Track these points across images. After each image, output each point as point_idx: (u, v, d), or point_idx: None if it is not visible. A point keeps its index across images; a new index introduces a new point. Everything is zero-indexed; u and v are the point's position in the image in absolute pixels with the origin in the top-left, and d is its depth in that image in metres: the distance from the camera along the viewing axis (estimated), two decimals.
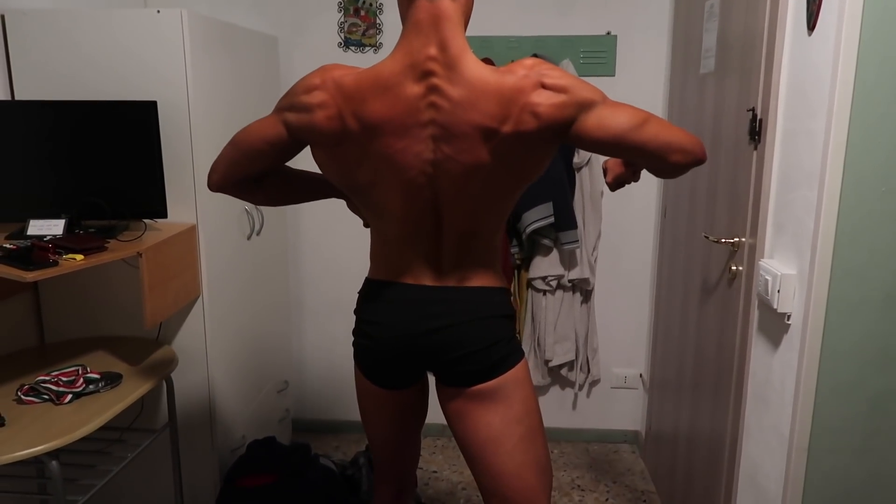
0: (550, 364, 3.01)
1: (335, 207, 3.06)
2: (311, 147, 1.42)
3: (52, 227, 1.96)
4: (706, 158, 1.36)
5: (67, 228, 1.97)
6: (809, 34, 1.56)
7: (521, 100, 1.25)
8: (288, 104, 1.36)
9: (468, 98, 1.25)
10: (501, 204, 1.42)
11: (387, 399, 1.57)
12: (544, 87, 1.26)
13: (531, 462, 1.48)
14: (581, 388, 3.18)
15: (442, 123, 1.28)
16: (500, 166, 1.32)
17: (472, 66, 1.27)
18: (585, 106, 1.28)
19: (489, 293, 1.46)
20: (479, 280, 1.45)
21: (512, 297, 2.95)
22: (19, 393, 1.79)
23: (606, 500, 2.74)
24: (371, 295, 1.53)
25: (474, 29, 2.81)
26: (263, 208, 2.67)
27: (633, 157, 1.39)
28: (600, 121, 1.28)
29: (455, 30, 1.28)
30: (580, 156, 2.82)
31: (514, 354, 1.48)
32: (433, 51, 1.26)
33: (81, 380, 1.83)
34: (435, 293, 1.44)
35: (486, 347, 1.44)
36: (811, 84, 1.55)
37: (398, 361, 1.50)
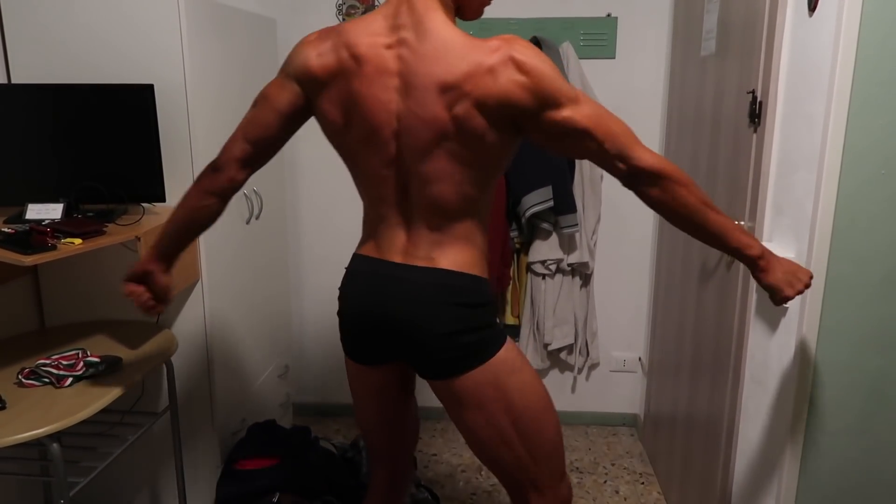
0: (550, 348, 3.01)
1: (334, 191, 3.06)
2: (313, 102, 1.43)
3: (50, 211, 1.96)
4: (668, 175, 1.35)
5: (66, 212, 1.97)
6: (810, 16, 1.55)
7: (484, 65, 1.27)
8: (288, 60, 1.45)
9: (431, 52, 1.29)
10: (467, 189, 1.38)
11: (365, 375, 1.57)
12: (513, 62, 1.27)
13: (511, 460, 1.48)
14: (580, 371, 3.20)
15: (405, 75, 1.31)
16: (459, 139, 1.32)
17: (440, 25, 1.31)
18: (549, 101, 1.29)
19: (456, 278, 1.41)
20: (449, 263, 1.41)
21: (511, 284, 2.96)
22: (20, 376, 1.79)
23: (605, 482, 2.76)
24: (349, 266, 1.54)
25: None
26: (263, 191, 2.66)
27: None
28: (562, 121, 1.30)
29: (431, 4, 1.33)
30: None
31: (484, 349, 1.42)
32: (405, 7, 1.33)
33: (81, 363, 1.84)
34: (398, 270, 1.43)
35: (445, 335, 1.40)
36: (811, 66, 1.54)
37: (364, 336, 1.51)
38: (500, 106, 1.28)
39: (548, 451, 1.50)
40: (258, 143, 1.47)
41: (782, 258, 1.40)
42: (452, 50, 1.29)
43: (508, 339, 1.48)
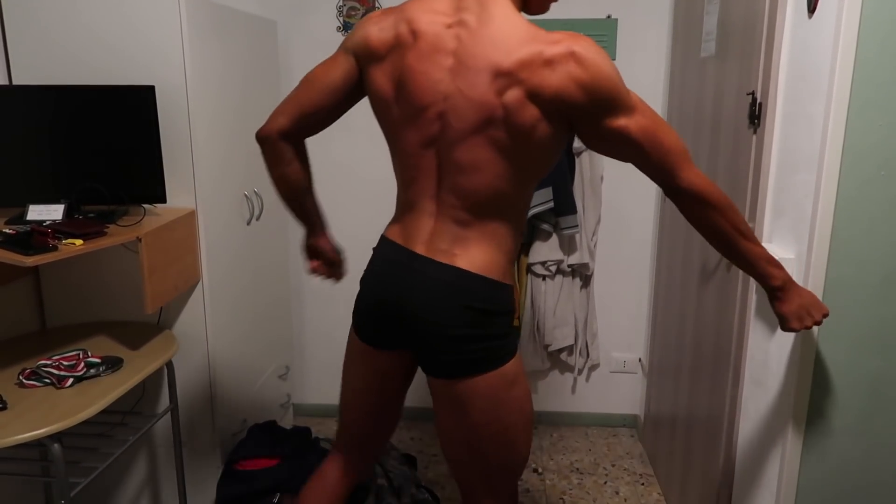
0: (550, 349, 3.02)
1: (335, 192, 3.06)
2: (366, 75, 1.44)
3: (51, 212, 1.96)
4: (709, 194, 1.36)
5: (67, 213, 1.97)
6: (810, 17, 1.55)
7: (544, 55, 1.24)
8: (349, 34, 1.46)
9: (490, 36, 1.27)
10: (503, 185, 1.34)
11: (371, 356, 1.56)
12: (574, 57, 1.24)
13: (477, 466, 1.49)
14: (580, 372, 3.20)
15: (460, 55, 1.30)
16: (505, 127, 1.28)
17: (504, 11, 1.29)
18: (605, 105, 1.26)
19: (473, 280, 1.37)
20: (469, 263, 1.37)
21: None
22: (21, 377, 1.80)
23: (605, 482, 2.76)
24: (376, 248, 1.54)
25: None
26: (264, 194, 2.66)
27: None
28: (617, 129, 1.28)
29: None
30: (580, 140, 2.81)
31: (491, 359, 1.39)
32: None
33: (82, 364, 1.84)
34: (417, 262, 1.40)
35: (454, 338, 1.37)
36: (811, 67, 1.54)
37: (376, 322, 1.50)
38: (554, 100, 1.25)
39: (515, 465, 1.51)
40: (300, 119, 1.51)
41: (805, 291, 1.43)
42: (512, 36, 1.26)
43: (513, 361, 1.44)
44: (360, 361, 1.58)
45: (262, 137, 1.53)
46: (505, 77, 1.25)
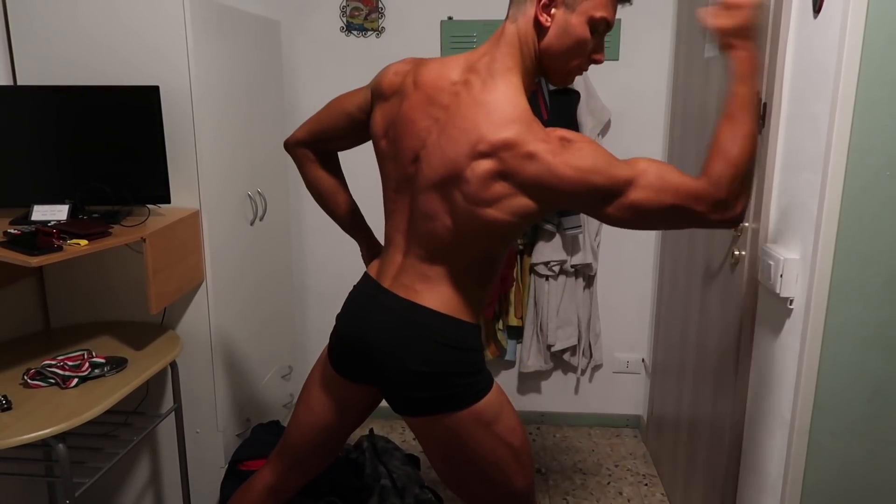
0: (553, 349, 3.01)
1: None
2: (372, 111, 1.52)
3: (56, 213, 1.96)
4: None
5: (71, 214, 1.97)
6: (815, 17, 1.55)
7: (527, 147, 1.23)
8: (376, 75, 1.53)
9: (487, 103, 1.28)
10: (456, 240, 1.35)
11: (338, 385, 1.58)
12: (556, 152, 1.22)
13: (473, 499, 1.51)
14: (583, 372, 3.20)
15: (452, 112, 1.32)
16: (461, 192, 1.29)
17: (508, 86, 1.30)
18: (597, 195, 1.24)
19: (433, 316, 1.38)
20: (432, 301, 1.38)
21: (514, 285, 2.96)
22: (26, 377, 1.80)
23: (608, 483, 2.76)
24: (357, 282, 1.60)
25: (478, 12, 2.81)
26: (267, 194, 2.67)
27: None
28: (631, 206, 1.24)
29: (509, 50, 1.33)
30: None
31: (455, 398, 1.38)
32: (487, 58, 1.35)
33: (87, 364, 1.84)
34: (381, 296, 1.44)
35: (413, 372, 1.38)
36: (816, 67, 1.54)
37: (343, 352, 1.53)
38: (535, 185, 1.24)
39: (514, 497, 1.49)
40: (316, 134, 1.66)
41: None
42: (506, 113, 1.26)
43: (494, 385, 1.43)
44: (325, 386, 1.61)
45: (285, 144, 1.73)
46: (485, 147, 1.25)
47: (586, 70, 1.41)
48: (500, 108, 1.27)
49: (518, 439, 1.47)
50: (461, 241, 1.36)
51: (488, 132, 1.25)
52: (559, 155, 1.22)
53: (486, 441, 1.41)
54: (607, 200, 1.25)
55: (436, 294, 1.39)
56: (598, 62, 1.39)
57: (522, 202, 1.27)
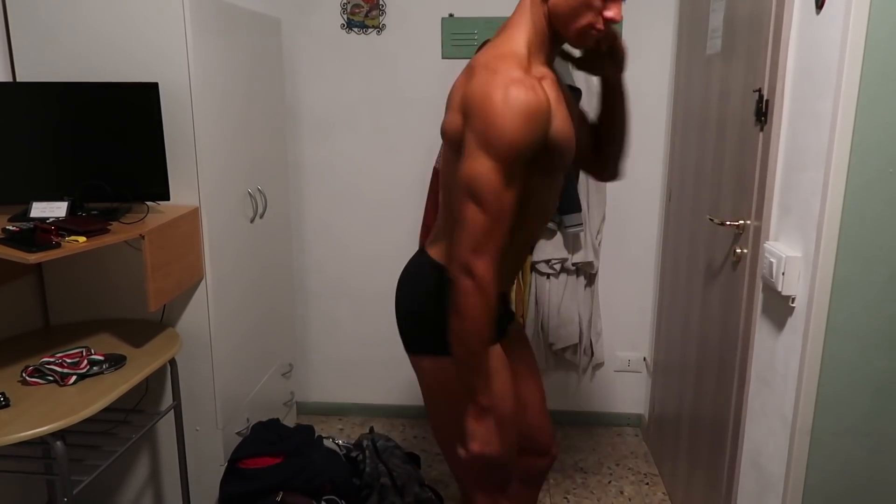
0: (554, 347, 3.00)
1: (338, 190, 3.06)
2: None
3: (54, 210, 1.96)
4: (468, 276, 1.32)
5: (70, 210, 1.97)
6: (818, 13, 1.54)
7: (461, 87, 1.37)
8: None
9: (471, 68, 1.37)
10: (450, 198, 1.45)
11: None
12: (465, 95, 1.33)
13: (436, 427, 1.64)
14: (584, 371, 3.19)
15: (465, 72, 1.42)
16: (447, 143, 1.41)
17: (499, 38, 1.39)
18: (466, 141, 1.30)
19: (429, 263, 1.53)
20: (434, 251, 1.54)
21: (515, 283, 2.95)
22: (24, 374, 1.80)
23: (609, 482, 2.76)
24: None
25: (479, 9, 2.80)
26: (267, 191, 2.66)
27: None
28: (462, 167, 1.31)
29: (520, 11, 1.40)
30: None
31: (426, 342, 1.51)
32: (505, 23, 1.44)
33: (86, 361, 1.84)
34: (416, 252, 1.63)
35: (398, 312, 1.58)
36: (818, 64, 1.53)
37: None
38: (461, 109, 1.35)
39: (462, 466, 1.56)
40: None
41: (494, 423, 1.43)
42: (473, 68, 1.36)
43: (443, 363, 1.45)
44: None
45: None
46: (456, 102, 1.36)
47: (603, 29, 1.37)
48: (474, 66, 1.35)
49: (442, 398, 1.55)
50: (449, 198, 1.46)
51: (457, 94, 1.37)
52: (464, 83, 1.36)
53: (443, 390, 1.52)
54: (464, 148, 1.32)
55: (440, 246, 1.53)
56: (613, 21, 1.35)
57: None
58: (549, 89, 1.35)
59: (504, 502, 1.61)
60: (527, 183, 1.35)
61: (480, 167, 1.26)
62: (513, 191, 1.29)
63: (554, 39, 1.41)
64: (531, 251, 1.64)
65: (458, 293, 1.31)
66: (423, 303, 1.52)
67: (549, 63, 1.43)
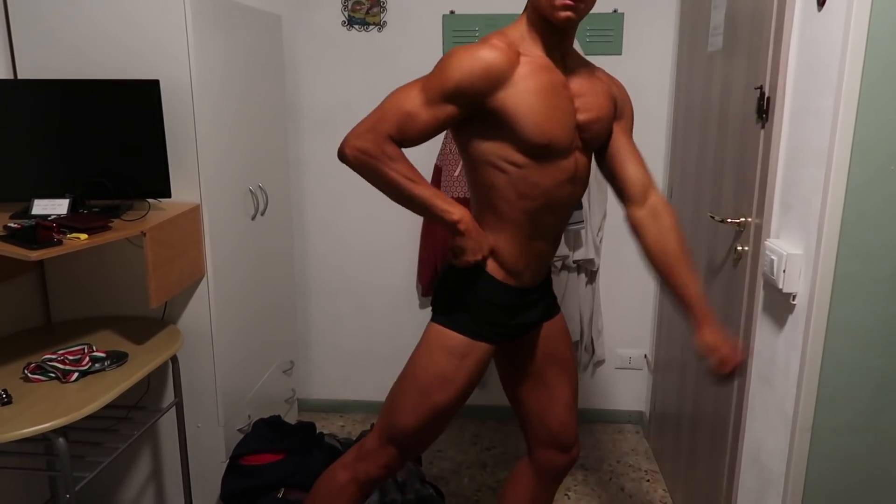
0: None
1: (340, 187, 3.06)
2: None
3: (56, 207, 1.96)
4: (340, 154, 1.45)
5: (71, 208, 1.97)
6: (819, 10, 1.53)
7: None
8: None
9: None
10: (469, 169, 1.55)
11: None
12: None
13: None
14: (585, 368, 3.19)
15: None
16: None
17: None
18: None
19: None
20: None
21: None
22: (26, 371, 1.80)
23: (610, 479, 2.76)
24: None
25: (480, 6, 2.80)
26: (268, 188, 2.66)
27: None
28: None
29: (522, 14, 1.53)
30: None
31: (435, 305, 1.63)
32: None
33: (87, 358, 1.84)
34: None
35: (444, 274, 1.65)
36: (820, 62, 1.52)
37: None
38: None
39: (394, 410, 1.62)
40: None
41: (478, 226, 1.53)
42: None
43: (444, 328, 1.57)
44: None
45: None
46: None
47: (564, 8, 1.39)
48: None
49: (417, 381, 1.59)
50: (475, 186, 1.56)
51: None
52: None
53: (418, 350, 1.62)
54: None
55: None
56: None
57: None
58: (528, 66, 1.43)
59: (383, 462, 1.65)
60: (483, 146, 1.48)
61: (407, 86, 1.44)
62: (428, 114, 1.41)
63: (551, 29, 1.47)
64: (554, 242, 1.62)
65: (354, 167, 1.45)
66: (440, 279, 1.64)
67: (551, 53, 1.49)
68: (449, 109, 1.42)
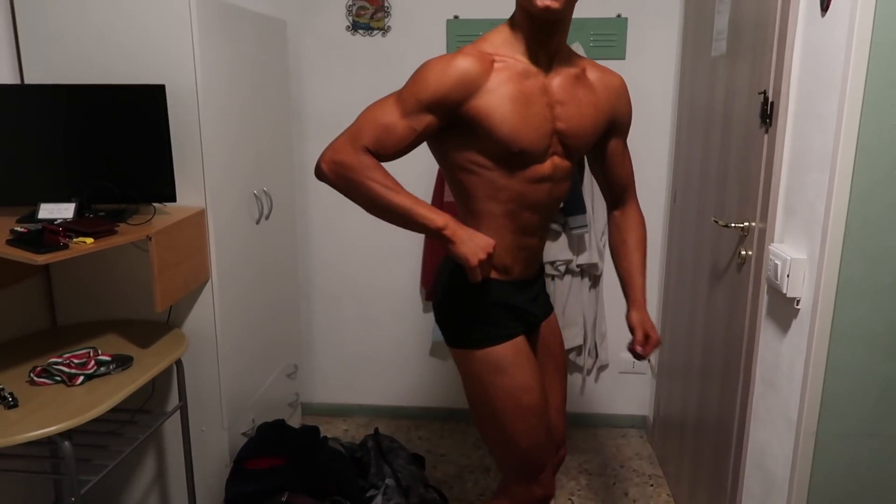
0: None
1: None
2: None
3: (62, 211, 1.97)
4: (317, 171, 1.45)
5: (78, 212, 1.98)
6: (823, 15, 1.54)
7: None
8: None
9: None
10: (445, 173, 1.58)
11: None
12: None
13: (481, 433, 1.66)
14: (589, 373, 3.19)
15: None
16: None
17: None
18: None
19: (448, 258, 1.60)
20: None
21: None
22: (32, 375, 1.81)
23: (614, 483, 2.75)
24: None
25: (484, 11, 2.80)
26: (273, 193, 2.67)
27: None
28: None
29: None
30: None
31: (445, 331, 1.62)
32: None
33: (93, 362, 1.85)
34: None
35: (434, 302, 1.65)
36: (824, 66, 1.53)
37: None
38: None
39: (499, 450, 1.62)
40: None
41: (467, 228, 1.46)
42: None
43: (475, 351, 1.56)
44: None
45: None
46: None
47: (541, 3, 1.40)
48: None
49: (489, 407, 1.58)
50: (456, 189, 1.59)
51: None
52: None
53: (468, 384, 1.60)
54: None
55: None
56: None
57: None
58: (503, 73, 1.44)
59: (537, 489, 1.63)
60: (455, 151, 1.50)
61: (382, 100, 1.45)
62: (404, 125, 1.42)
63: (536, 28, 1.47)
64: (540, 237, 1.61)
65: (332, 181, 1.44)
66: (441, 295, 1.62)
67: (535, 55, 1.50)
68: (426, 119, 1.42)
